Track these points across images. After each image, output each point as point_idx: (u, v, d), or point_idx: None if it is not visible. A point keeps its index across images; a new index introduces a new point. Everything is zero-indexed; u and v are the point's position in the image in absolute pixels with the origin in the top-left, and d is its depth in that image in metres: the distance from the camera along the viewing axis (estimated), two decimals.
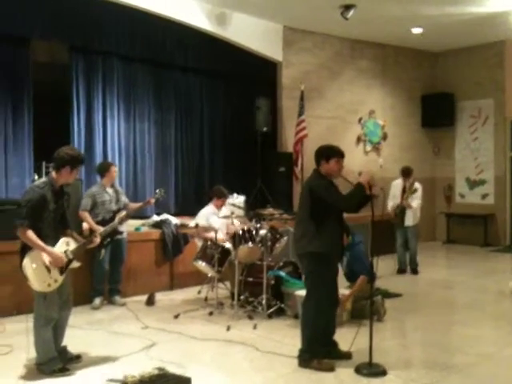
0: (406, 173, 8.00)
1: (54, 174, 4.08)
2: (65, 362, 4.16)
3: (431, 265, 8.78)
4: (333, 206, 4.10)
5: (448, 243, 11.23)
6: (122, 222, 5.93)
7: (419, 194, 7.91)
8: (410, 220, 7.93)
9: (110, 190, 6.27)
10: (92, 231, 4.54)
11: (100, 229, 5.44)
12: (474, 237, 10.81)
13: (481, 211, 10.90)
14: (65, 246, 4.07)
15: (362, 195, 4.01)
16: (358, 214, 4.52)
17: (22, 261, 3.97)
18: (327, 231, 4.11)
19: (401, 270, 8.10)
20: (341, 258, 4.30)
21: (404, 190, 7.92)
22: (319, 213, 4.11)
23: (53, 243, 4.01)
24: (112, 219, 6.01)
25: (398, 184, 8.06)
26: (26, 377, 4.08)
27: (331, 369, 4.12)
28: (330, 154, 4.22)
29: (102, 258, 6.02)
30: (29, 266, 3.94)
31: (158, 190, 6.24)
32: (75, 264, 4.17)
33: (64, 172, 4.03)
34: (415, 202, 7.85)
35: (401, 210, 7.86)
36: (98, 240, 4.35)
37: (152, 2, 7.76)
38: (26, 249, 3.98)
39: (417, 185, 7.92)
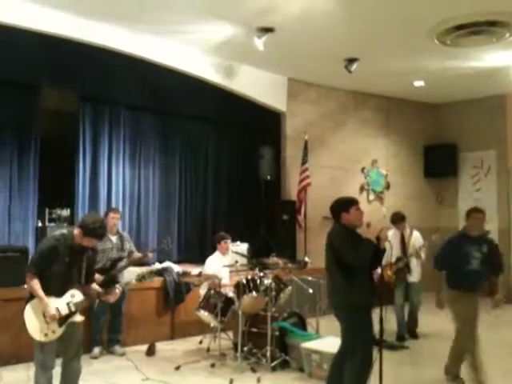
0: (398, 218, 7.03)
1: (76, 230, 4.10)
2: None
3: (437, 316, 8.57)
4: None
5: None
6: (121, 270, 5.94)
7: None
8: (415, 275, 6.99)
9: (113, 238, 6.24)
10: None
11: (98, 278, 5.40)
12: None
13: None
14: (69, 297, 4.02)
15: (371, 252, 4.01)
16: None
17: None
18: (358, 282, 4.05)
19: (401, 337, 6.96)
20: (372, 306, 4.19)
21: (403, 241, 6.98)
22: (346, 265, 4.06)
23: (58, 295, 3.97)
24: (112, 267, 5.97)
25: (394, 235, 6.91)
26: None
27: None
28: (348, 204, 4.24)
29: (97, 308, 5.89)
30: (28, 313, 3.92)
31: (164, 240, 6.21)
32: (77, 318, 4.08)
33: (79, 234, 4.04)
34: (423, 252, 6.94)
35: (405, 264, 6.85)
36: (117, 292, 4.27)
37: (159, 53, 7.92)
38: (31, 296, 3.96)
39: (418, 234, 7.09)
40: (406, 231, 7.08)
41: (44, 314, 3.91)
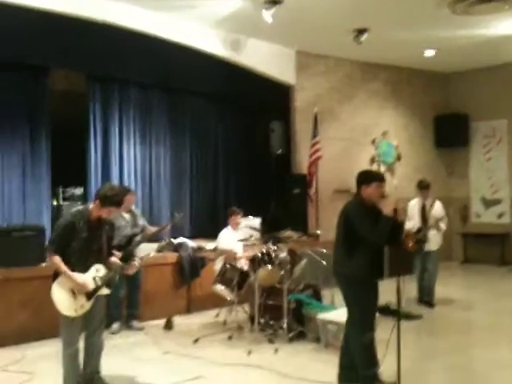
0: (424, 186, 7.10)
1: (91, 204, 4.15)
2: None
3: (449, 285, 8.65)
4: None
5: (465, 263, 11.12)
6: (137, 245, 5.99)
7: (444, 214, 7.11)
8: (433, 244, 7.07)
9: (126, 215, 6.30)
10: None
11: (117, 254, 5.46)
12: (491, 256, 10.70)
13: (497, 230, 10.81)
14: (94, 272, 4.09)
15: (390, 227, 3.98)
16: None
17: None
18: (361, 254, 4.05)
19: (427, 302, 7.20)
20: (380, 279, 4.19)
21: (424, 210, 7.05)
22: (353, 237, 4.08)
23: (82, 270, 4.03)
24: (128, 243, 6.03)
25: (415, 204, 7.14)
26: None
27: None
28: (370, 178, 4.22)
29: (117, 283, 5.96)
30: (56, 290, 3.99)
31: (176, 214, 6.24)
32: (104, 291, 4.17)
33: (96, 206, 4.10)
34: (443, 223, 7.03)
35: (424, 235, 6.92)
36: (135, 264, 4.34)
37: (167, 29, 7.86)
38: (56, 274, 4.03)
39: (439, 205, 7.10)
40: (428, 201, 7.11)
41: (72, 289, 3.98)
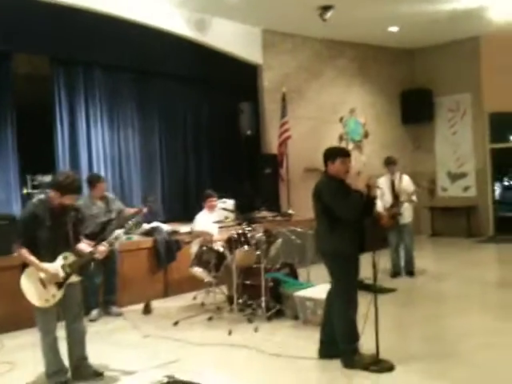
0: (390, 162, 7.36)
1: (50, 193, 4.06)
2: (84, 377, 4.15)
3: (420, 258, 8.84)
4: None
5: (433, 236, 11.42)
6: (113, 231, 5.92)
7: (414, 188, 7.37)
8: (406, 217, 7.33)
9: (99, 202, 6.23)
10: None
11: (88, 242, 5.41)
12: (458, 229, 11.03)
13: (463, 203, 11.12)
14: (62, 260, 4.04)
15: (363, 204, 4.08)
16: None
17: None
18: (341, 229, 4.13)
19: (396, 274, 7.52)
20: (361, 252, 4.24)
21: (393, 186, 7.28)
22: (330, 213, 4.14)
23: (51, 260, 3.99)
24: (102, 231, 5.97)
25: (384, 181, 7.27)
26: None
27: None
28: (335, 155, 4.26)
29: (92, 270, 5.90)
30: (25, 282, 3.96)
31: (149, 198, 6.21)
32: (74, 278, 4.12)
33: (54, 194, 4.01)
34: (414, 196, 7.29)
35: (398, 209, 7.17)
36: (102, 249, 4.28)
37: (131, 10, 7.74)
38: (24, 266, 3.98)
39: (408, 179, 7.39)
40: (396, 176, 7.35)
41: (41, 280, 3.94)
